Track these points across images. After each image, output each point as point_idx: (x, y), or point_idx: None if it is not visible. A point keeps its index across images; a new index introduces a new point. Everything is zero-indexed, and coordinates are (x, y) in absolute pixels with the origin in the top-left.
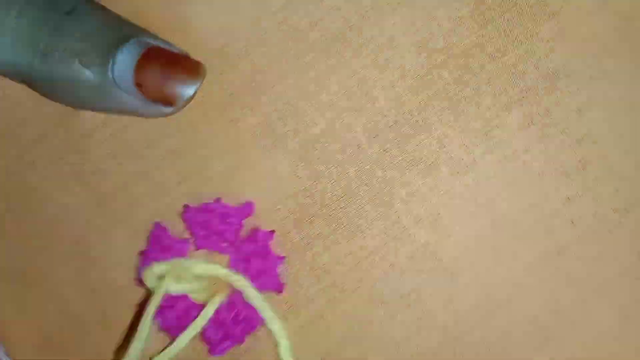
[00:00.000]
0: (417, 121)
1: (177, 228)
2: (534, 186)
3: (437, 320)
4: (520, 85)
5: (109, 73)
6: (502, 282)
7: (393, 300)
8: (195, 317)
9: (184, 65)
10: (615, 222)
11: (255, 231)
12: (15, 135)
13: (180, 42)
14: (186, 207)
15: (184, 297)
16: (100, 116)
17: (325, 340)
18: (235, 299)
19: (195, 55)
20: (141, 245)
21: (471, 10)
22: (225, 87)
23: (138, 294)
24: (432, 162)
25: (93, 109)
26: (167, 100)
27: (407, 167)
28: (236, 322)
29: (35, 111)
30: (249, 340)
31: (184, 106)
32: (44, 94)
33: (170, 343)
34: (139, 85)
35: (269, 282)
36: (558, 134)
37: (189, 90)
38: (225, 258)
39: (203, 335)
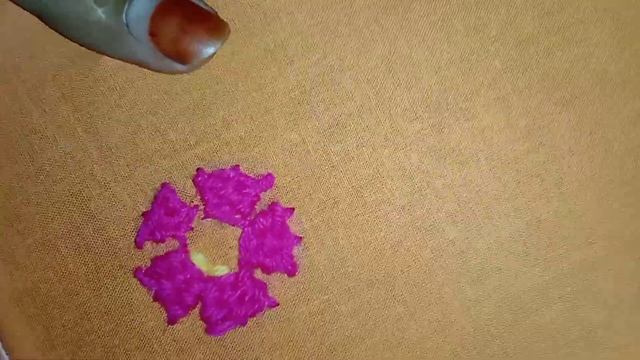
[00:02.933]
0: (461, 108)
1: (187, 193)
2: (576, 194)
3: (455, 325)
4: (573, 87)
5: (123, 15)
6: (528, 290)
7: (412, 297)
8: (198, 292)
9: (206, 21)
10: None
11: (274, 205)
12: (24, 70)
13: None
14: (199, 170)
15: (186, 268)
16: (116, 61)
17: (334, 333)
18: (243, 278)
19: (227, 7)
20: (145, 205)
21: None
22: (258, 46)
23: (135, 256)
24: (472, 155)
25: (104, 53)
26: (181, 57)
27: (445, 157)
28: (240, 303)
29: (47, 47)
30: (250, 324)
31: (199, 66)
32: (57, 30)
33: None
34: (152, 34)
35: (282, 262)
36: (606, 142)
37: (206, 50)
38: (237, 231)
39: (203, 313)
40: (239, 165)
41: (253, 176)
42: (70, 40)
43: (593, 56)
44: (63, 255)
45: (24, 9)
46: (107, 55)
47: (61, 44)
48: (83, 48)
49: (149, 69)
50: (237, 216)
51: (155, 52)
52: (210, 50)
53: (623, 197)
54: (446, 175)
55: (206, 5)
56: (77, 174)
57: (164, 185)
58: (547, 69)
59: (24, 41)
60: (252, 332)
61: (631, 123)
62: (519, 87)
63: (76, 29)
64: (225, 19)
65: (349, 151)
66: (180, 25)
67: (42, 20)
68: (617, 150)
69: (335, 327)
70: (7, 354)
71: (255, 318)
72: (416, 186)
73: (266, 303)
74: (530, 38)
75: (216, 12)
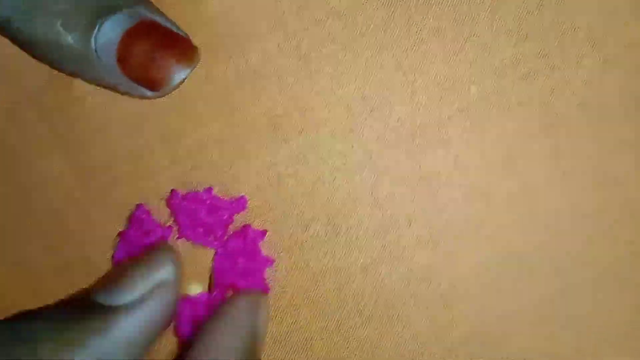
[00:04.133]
0: (435, 135)
1: (161, 213)
2: (549, 224)
3: (424, 348)
4: (552, 114)
5: (92, 42)
6: (498, 317)
7: (382, 321)
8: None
9: (176, 47)
10: (629, 267)
11: (245, 228)
12: (1, 92)
13: (190, 20)
14: (173, 192)
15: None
16: (92, 85)
17: (303, 354)
18: (215, 297)
19: (203, 33)
20: (120, 225)
21: (511, 24)
22: (231, 70)
23: None
24: (444, 182)
25: (76, 76)
26: (150, 83)
27: (418, 183)
28: None
29: (23, 68)
30: None
31: (170, 92)
32: (29, 53)
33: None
34: (120, 60)
35: (255, 283)
36: (581, 174)
37: (175, 76)
38: (210, 252)
39: (177, 331)
40: (212, 188)
41: (226, 199)
42: (45, 64)
43: (572, 82)
44: (42, 275)
45: None
46: (82, 79)
47: (37, 65)
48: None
49: (120, 93)
50: (210, 238)
51: (124, 77)
52: (179, 76)
53: (599, 225)
54: (418, 202)
55: (178, 29)
56: (54, 195)
57: (138, 206)
58: (524, 95)
59: None
60: None
61: (610, 151)
62: (495, 114)
63: (47, 53)
64: (198, 43)
65: (322, 176)
66: (148, 52)
67: (14, 44)
68: (593, 180)
69: (305, 348)
70: None
71: None
72: (388, 212)
73: None
74: (508, 62)
75: (188, 36)
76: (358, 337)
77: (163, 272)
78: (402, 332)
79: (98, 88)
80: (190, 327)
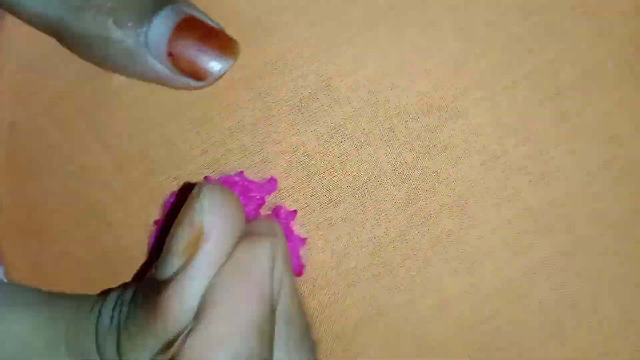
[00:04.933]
0: (452, 108)
1: None
2: (561, 183)
3: (454, 309)
4: (557, 82)
5: (142, 37)
6: (520, 274)
7: (412, 286)
8: None
9: (219, 40)
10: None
11: (277, 209)
12: (40, 89)
13: (214, 10)
14: (206, 178)
15: None
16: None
17: (340, 323)
18: None
19: (229, 23)
20: (157, 213)
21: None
22: (258, 59)
23: (149, 264)
24: (463, 151)
25: (121, 73)
26: (198, 75)
27: (439, 153)
28: None
29: (62, 65)
30: None
31: (214, 82)
32: (74, 50)
33: None
34: (171, 55)
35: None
36: (588, 134)
37: (221, 67)
38: None
39: None
40: (243, 171)
41: (257, 181)
42: (87, 60)
43: (574, 51)
44: (84, 263)
45: (39, 29)
46: (124, 75)
47: (74, 61)
48: (95, 67)
49: (165, 85)
50: None
51: (173, 71)
52: (225, 67)
53: (605, 181)
54: (440, 172)
55: (215, 23)
56: (93, 186)
57: (173, 194)
58: (531, 66)
59: (38, 59)
60: None
61: (610, 113)
62: (505, 85)
63: (95, 49)
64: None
65: (348, 153)
66: (196, 45)
67: (58, 40)
68: (597, 139)
69: (342, 318)
70: None
71: None
72: (412, 183)
73: None
74: (514, 37)
75: (223, 29)
76: (391, 305)
77: None
78: (431, 294)
79: (134, 82)
80: None
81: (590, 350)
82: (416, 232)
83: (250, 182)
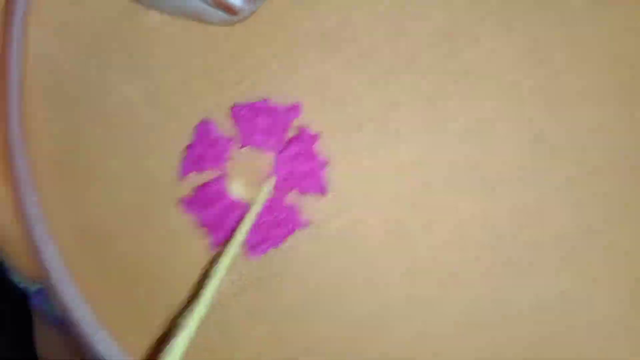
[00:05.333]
0: (469, 34)
1: (225, 126)
2: (574, 107)
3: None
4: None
5: None
6: (534, 199)
7: (433, 208)
8: (238, 217)
9: None
10: None
11: (301, 131)
12: (79, 25)
13: None
14: (235, 105)
15: (224, 194)
16: (166, 15)
17: (366, 245)
18: (276, 202)
19: None
20: (188, 139)
21: None
22: None
23: (179, 187)
24: (482, 76)
25: (158, 8)
26: (229, 9)
27: (456, 80)
28: (275, 225)
29: (102, 3)
30: (287, 244)
31: (246, 18)
32: None
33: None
34: None
35: (313, 183)
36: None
37: (251, 5)
38: (270, 157)
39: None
40: (269, 98)
41: (283, 105)
42: None
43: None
44: (120, 191)
45: None
46: (161, 10)
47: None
48: (133, 4)
49: (197, 20)
50: (270, 143)
51: (208, 3)
52: (256, 4)
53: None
54: (459, 97)
55: None
56: (134, 116)
57: (203, 120)
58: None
59: None
60: (289, 251)
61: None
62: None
63: None
64: None
65: (372, 80)
66: None
67: None
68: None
69: (366, 240)
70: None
71: (291, 238)
72: (431, 108)
73: (298, 224)
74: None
75: None
76: (413, 226)
77: None
78: (454, 217)
79: (171, 19)
80: (254, 232)
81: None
82: (437, 155)
83: (276, 107)
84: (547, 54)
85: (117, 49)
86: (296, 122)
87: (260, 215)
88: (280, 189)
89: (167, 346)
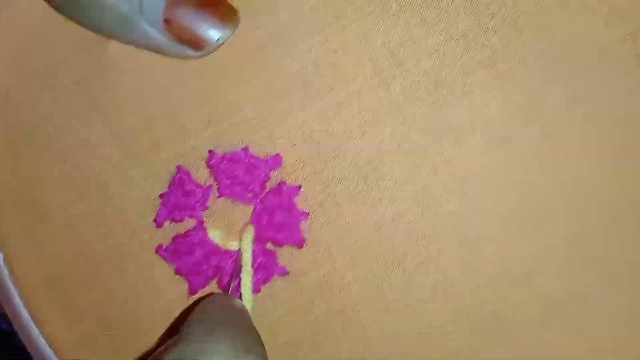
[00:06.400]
0: (458, 87)
1: (201, 174)
2: (568, 166)
3: (454, 289)
4: (568, 62)
5: (136, 3)
6: (523, 258)
7: (413, 264)
8: (216, 264)
9: (218, 8)
10: None
11: (281, 185)
12: (34, 57)
13: None
14: (212, 153)
15: (203, 243)
16: (128, 48)
17: (341, 299)
18: (255, 250)
19: None
20: (160, 187)
21: None
22: (262, 30)
23: (155, 235)
24: (469, 131)
25: (117, 39)
26: (195, 43)
27: (443, 134)
28: (254, 272)
29: (57, 34)
30: (265, 291)
31: (211, 52)
32: (68, 16)
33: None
34: (167, 21)
35: (291, 236)
36: (600, 118)
37: (220, 36)
38: (249, 208)
39: (221, 283)
40: (248, 147)
41: (262, 157)
42: (81, 26)
43: (587, 30)
44: (85, 237)
45: None
46: (119, 41)
47: (70, 29)
48: (92, 34)
49: (161, 54)
50: (248, 195)
51: (169, 38)
52: (224, 36)
53: (616, 166)
54: (444, 152)
55: None
56: (94, 159)
57: (179, 168)
58: (543, 45)
59: (32, 27)
60: (266, 298)
61: (623, 96)
62: (515, 64)
63: (89, 14)
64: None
65: (352, 130)
66: (194, 13)
67: (51, 5)
68: (609, 122)
69: (343, 293)
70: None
71: (268, 286)
72: (415, 162)
73: (276, 271)
74: (528, 14)
75: None
76: (391, 283)
77: None
78: (432, 274)
79: (133, 52)
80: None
81: (596, 341)
82: (418, 211)
83: (256, 158)
84: (542, 112)
85: (74, 85)
86: (276, 174)
87: (239, 263)
88: (259, 239)
89: None
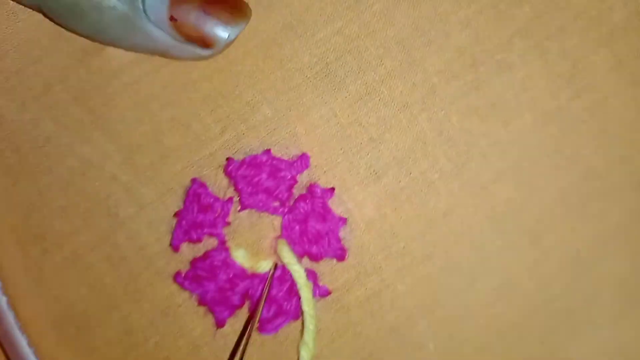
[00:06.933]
0: (496, 61)
1: (219, 185)
2: (625, 136)
3: (519, 287)
4: (609, 23)
5: (139, 2)
6: (589, 243)
7: (470, 266)
8: (243, 290)
9: (227, 3)
10: None
11: (312, 187)
12: (29, 76)
13: None
14: (229, 159)
15: (228, 267)
16: (129, 55)
17: (393, 313)
18: (286, 271)
19: None
20: (176, 204)
21: None
22: (275, 21)
23: (172, 261)
24: (513, 109)
25: (118, 45)
26: (204, 41)
27: (486, 114)
28: (290, 296)
29: (52, 47)
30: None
31: (223, 50)
32: (62, 23)
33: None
34: (172, 19)
35: (330, 247)
36: None
37: (230, 33)
38: (277, 219)
39: (250, 311)
40: (270, 149)
41: (286, 158)
42: (78, 33)
43: None
44: (96, 268)
45: (22, 4)
46: (121, 48)
47: (65, 42)
48: (89, 45)
49: (168, 57)
50: (275, 204)
51: (176, 38)
52: (235, 31)
53: None
54: (490, 133)
55: None
56: (100, 181)
57: (193, 180)
58: (580, 7)
59: (24, 43)
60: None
61: None
62: (553, 30)
63: (87, 18)
64: None
65: (386, 120)
66: (201, 8)
67: (45, 14)
68: None
69: (394, 308)
70: None
71: None
72: (461, 149)
73: (317, 292)
74: None
75: None
76: (446, 286)
77: None
78: (493, 273)
79: (134, 60)
80: (268, 308)
81: None
82: (470, 203)
83: (280, 160)
84: (589, 80)
85: (73, 100)
86: (305, 176)
87: (272, 287)
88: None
89: None
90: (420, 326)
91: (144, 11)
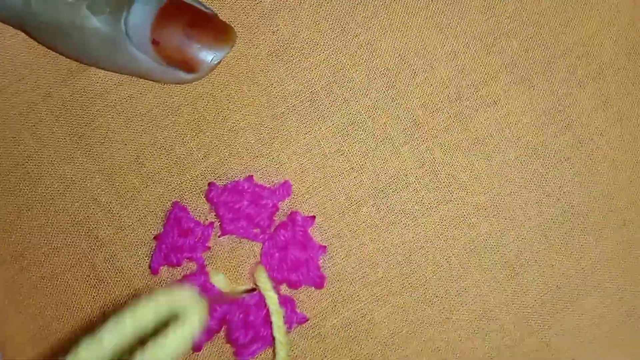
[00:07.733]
0: (481, 95)
1: (200, 209)
2: (608, 174)
3: (497, 321)
4: (598, 61)
5: (122, 24)
6: (569, 279)
7: (448, 298)
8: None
9: (211, 26)
10: None
11: (293, 215)
12: (12, 94)
13: None
14: (211, 185)
15: (205, 290)
16: (113, 76)
17: (369, 343)
18: (262, 297)
19: (224, 6)
20: (156, 227)
21: None
22: (261, 47)
23: (151, 283)
24: (497, 143)
25: (102, 66)
26: (187, 65)
27: (469, 147)
28: (267, 322)
29: (36, 67)
30: None
31: (207, 74)
32: (45, 43)
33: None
34: (155, 43)
35: (309, 275)
36: (637, 117)
37: (213, 57)
38: (257, 246)
39: (229, 337)
40: (252, 176)
41: (268, 186)
42: (62, 53)
43: (614, 24)
44: (74, 289)
45: (6, 23)
46: (105, 69)
47: (50, 61)
48: (74, 64)
49: (151, 80)
50: (255, 230)
51: (159, 61)
52: (218, 55)
53: None
54: (472, 167)
55: (207, 7)
56: (80, 201)
57: (174, 204)
58: (568, 43)
59: (8, 61)
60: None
61: None
62: (540, 66)
63: (70, 39)
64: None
65: (368, 150)
66: (184, 31)
67: (29, 33)
68: None
69: (370, 337)
70: None
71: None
72: (441, 181)
73: (295, 319)
74: (548, 11)
75: (217, 14)
76: (423, 317)
77: None
78: (471, 306)
79: (119, 81)
80: (243, 331)
81: None
82: (449, 236)
83: (261, 187)
84: (574, 117)
85: (56, 121)
86: (286, 204)
87: (250, 313)
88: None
89: None
90: (396, 357)
91: (127, 33)
